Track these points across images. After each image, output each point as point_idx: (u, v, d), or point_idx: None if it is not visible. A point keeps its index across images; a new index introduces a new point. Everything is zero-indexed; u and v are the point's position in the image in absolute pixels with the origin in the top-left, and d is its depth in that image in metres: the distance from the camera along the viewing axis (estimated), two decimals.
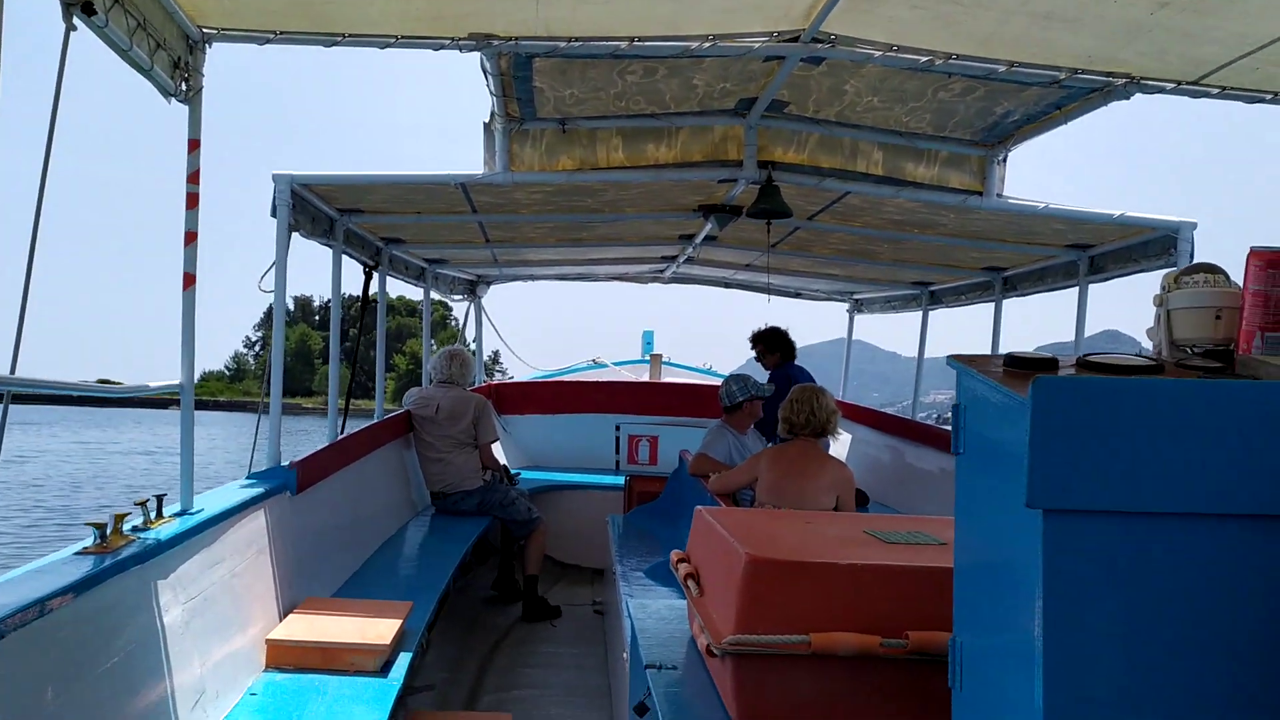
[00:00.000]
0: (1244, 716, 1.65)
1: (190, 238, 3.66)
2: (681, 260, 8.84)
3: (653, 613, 3.63)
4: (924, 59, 4.03)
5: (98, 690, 2.62)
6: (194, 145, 3.68)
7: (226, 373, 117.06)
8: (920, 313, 8.92)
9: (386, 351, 7.78)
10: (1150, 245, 5.46)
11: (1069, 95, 4.31)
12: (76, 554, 2.84)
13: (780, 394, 5.65)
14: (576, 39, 3.93)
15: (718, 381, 6.80)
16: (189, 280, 3.66)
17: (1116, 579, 1.65)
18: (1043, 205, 5.37)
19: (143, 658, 2.89)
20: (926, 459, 7.55)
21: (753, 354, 7.99)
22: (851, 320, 10.47)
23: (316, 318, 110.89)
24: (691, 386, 10.15)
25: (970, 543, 2.03)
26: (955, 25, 3.77)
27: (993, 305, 7.58)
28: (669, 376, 10.97)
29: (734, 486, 5.33)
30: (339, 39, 3.86)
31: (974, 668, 1.98)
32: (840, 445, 8.76)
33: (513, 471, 7.79)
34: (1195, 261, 2.81)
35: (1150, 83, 4.04)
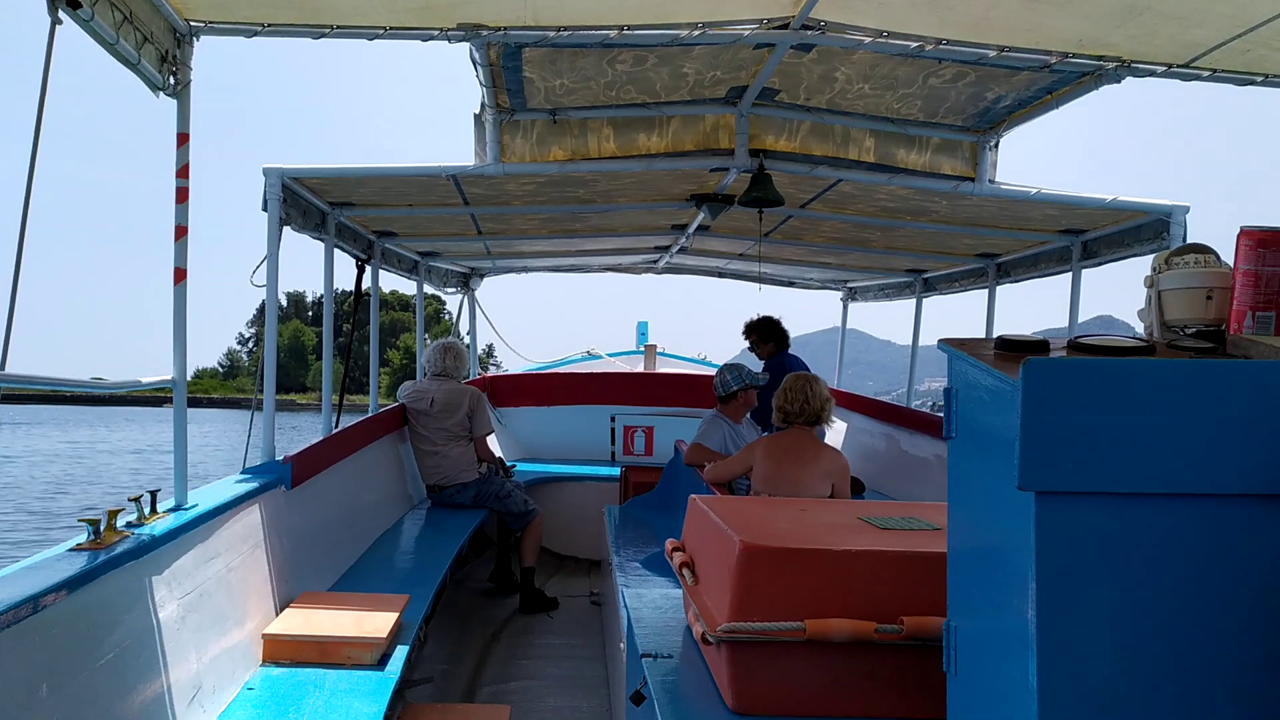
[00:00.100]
0: (1238, 696, 1.66)
1: (180, 232, 3.64)
2: (674, 250, 8.83)
3: (649, 602, 3.63)
4: (914, 44, 4.03)
5: (93, 687, 2.62)
6: (183, 139, 3.66)
7: (220, 370, 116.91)
8: (914, 300, 8.92)
9: (380, 346, 7.77)
10: (1143, 229, 5.47)
11: (1060, 79, 4.31)
12: (70, 550, 2.83)
13: (775, 383, 5.66)
14: (566, 28, 3.92)
15: (712, 371, 6.81)
16: (180, 275, 3.64)
17: (1109, 560, 1.65)
18: (1035, 190, 5.37)
19: (138, 654, 2.88)
20: (921, 446, 7.56)
21: (747, 344, 7.99)
22: (845, 309, 10.48)
23: (310, 313, 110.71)
24: (686, 377, 10.16)
25: (963, 527, 2.03)
26: (945, 10, 3.77)
27: (986, 292, 7.59)
28: (664, 367, 10.98)
29: (729, 476, 5.34)
30: (327, 31, 3.84)
31: (969, 652, 1.98)
32: (835, 433, 8.78)
33: (508, 464, 7.79)
34: (1186, 243, 2.81)
35: (1141, 66, 4.03)
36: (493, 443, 7.46)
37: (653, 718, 2.65)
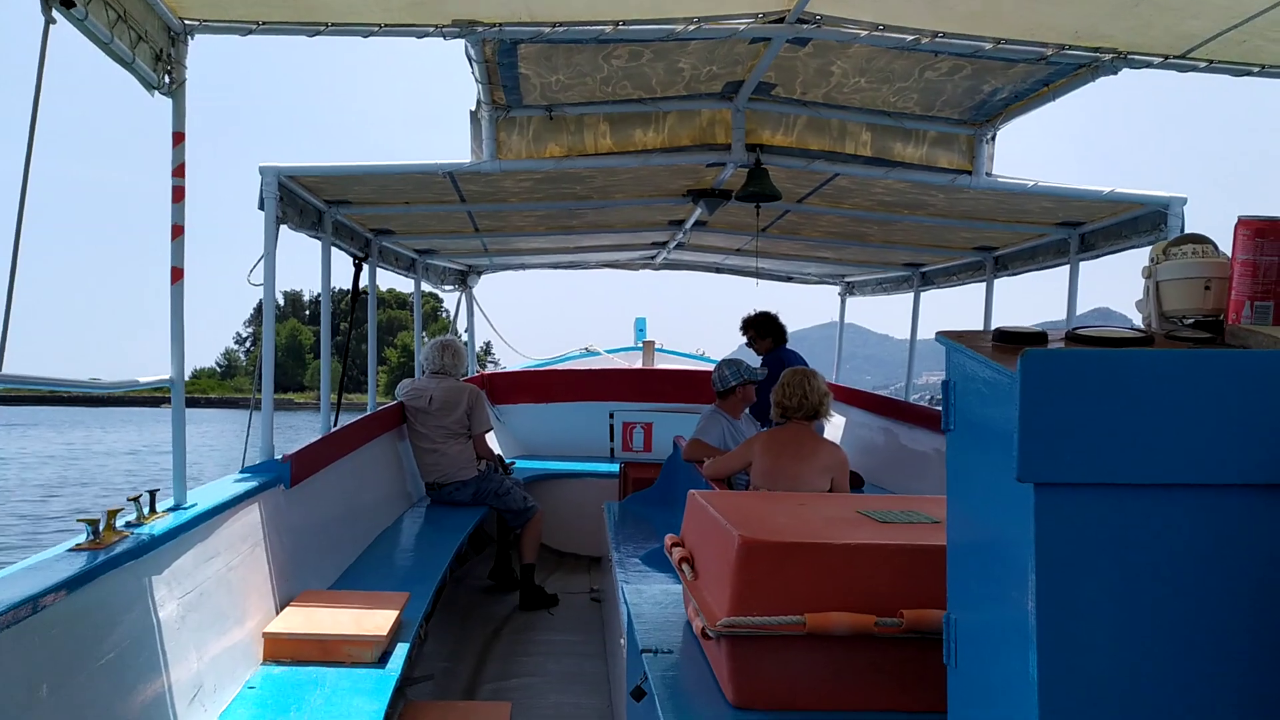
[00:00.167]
0: (1238, 687, 1.66)
1: (177, 231, 3.64)
2: (672, 246, 8.83)
3: (648, 598, 3.63)
4: (910, 38, 4.02)
5: (94, 687, 2.62)
6: (178, 138, 3.66)
7: (218, 369, 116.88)
8: (912, 294, 8.92)
9: (377, 344, 7.77)
10: (1140, 221, 5.46)
11: (1056, 71, 4.30)
12: (69, 550, 2.83)
13: (773, 378, 5.66)
14: (561, 24, 3.91)
15: (710, 367, 6.80)
16: (177, 274, 3.64)
17: (1109, 551, 1.65)
18: (1032, 183, 5.36)
19: (139, 653, 2.88)
20: (920, 440, 7.56)
21: (744, 339, 7.99)
22: (843, 303, 10.47)
23: (307, 312, 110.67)
24: (685, 372, 10.17)
25: (962, 519, 2.03)
26: (941, 3, 3.76)
27: (984, 285, 7.58)
28: (662, 363, 10.98)
29: (728, 471, 5.34)
30: (322, 28, 3.83)
31: (969, 644, 1.98)
32: (834, 428, 8.78)
33: (507, 461, 7.79)
34: (1183, 233, 2.81)
35: (1137, 57, 4.03)
36: (492, 440, 7.46)
37: (653, 713, 2.65)
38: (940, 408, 2.05)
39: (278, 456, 4.67)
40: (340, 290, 7.18)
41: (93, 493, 23.73)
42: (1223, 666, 1.66)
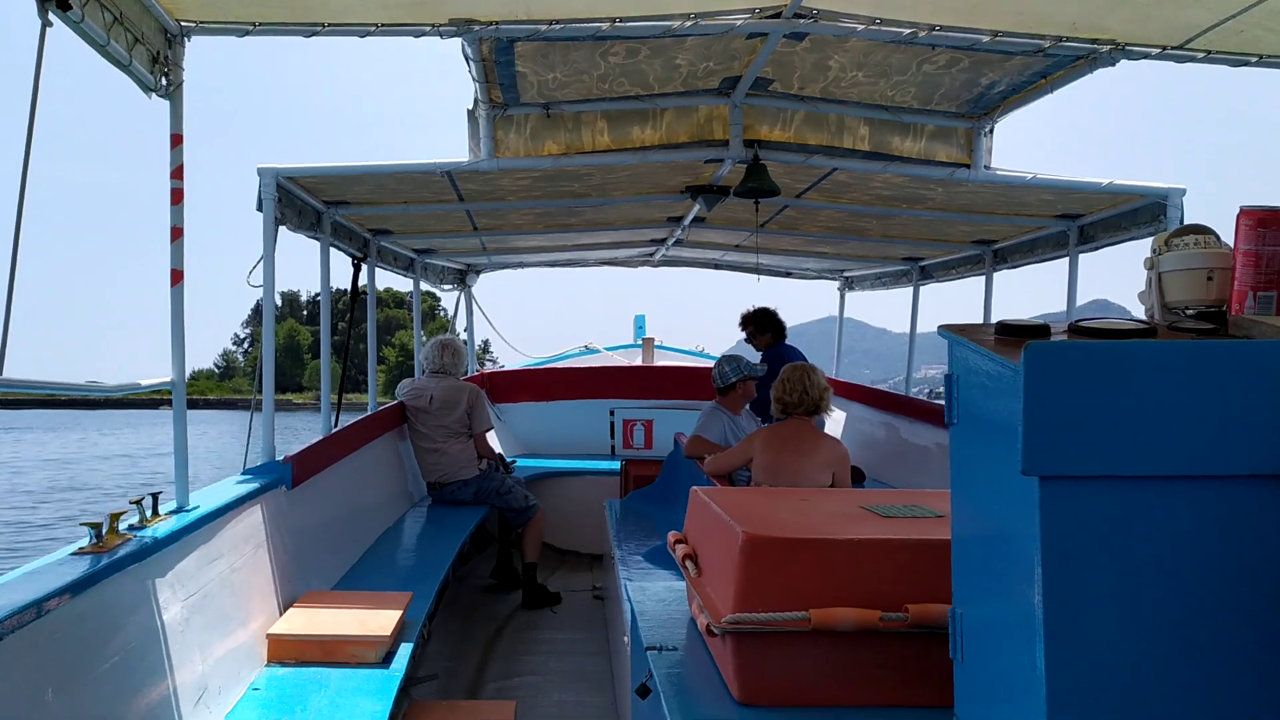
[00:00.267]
0: (1245, 678, 1.66)
1: (176, 233, 3.63)
2: (670, 243, 8.82)
3: (652, 595, 3.63)
4: (907, 31, 4.01)
5: (99, 691, 2.61)
6: (176, 140, 3.65)
7: (216, 370, 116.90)
8: (911, 288, 8.92)
9: (375, 344, 7.77)
10: (1140, 213, 5.46)
11: (1054, 64, 4.29)
12: (73, 554, 2.83)
13: (773, 374, 5.66)
14: (558, 21, 3.91)
15: (710, 363, 6.80)
16: (177, 277, 3.63)
17: (1115, 544, 1.65)
18: (1030, 176, 5.36)
19: (143, 656, 2.87)
20: (921, 434, 7.56)
21: (743, 335, 7.99)
22: (843, 298, 10.47)
23: (304, 312, 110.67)
24: (684, 369, 10.17)
25: (967, 513, 2.03)
26: None
27: (983, 278, 7.58)
28: (661, 360, 10.98)
29: (730, 467, 5.34)
30: (319, 29, 3.82)
31: (975, 638, 1.98)
32: (834, 423, 8.78)
33: (508, 460, 7.79)
34: (1185, 224, 2.81)
35: (1135, 48, 4.02)
36: (492, 439, 7.46)
37: (659, 711, 2.65)
38: (940, 401, 2.04)
39: (279, 458, 4.67)
40: (339, 290, 7.18)
41: (80, 501, 23.26)
42: (1229, 658, 1.66)
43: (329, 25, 3.82)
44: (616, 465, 7.74)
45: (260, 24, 3.75)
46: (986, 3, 3.76)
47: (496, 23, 3.89)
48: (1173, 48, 3.97)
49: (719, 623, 2.58)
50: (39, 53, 2.76)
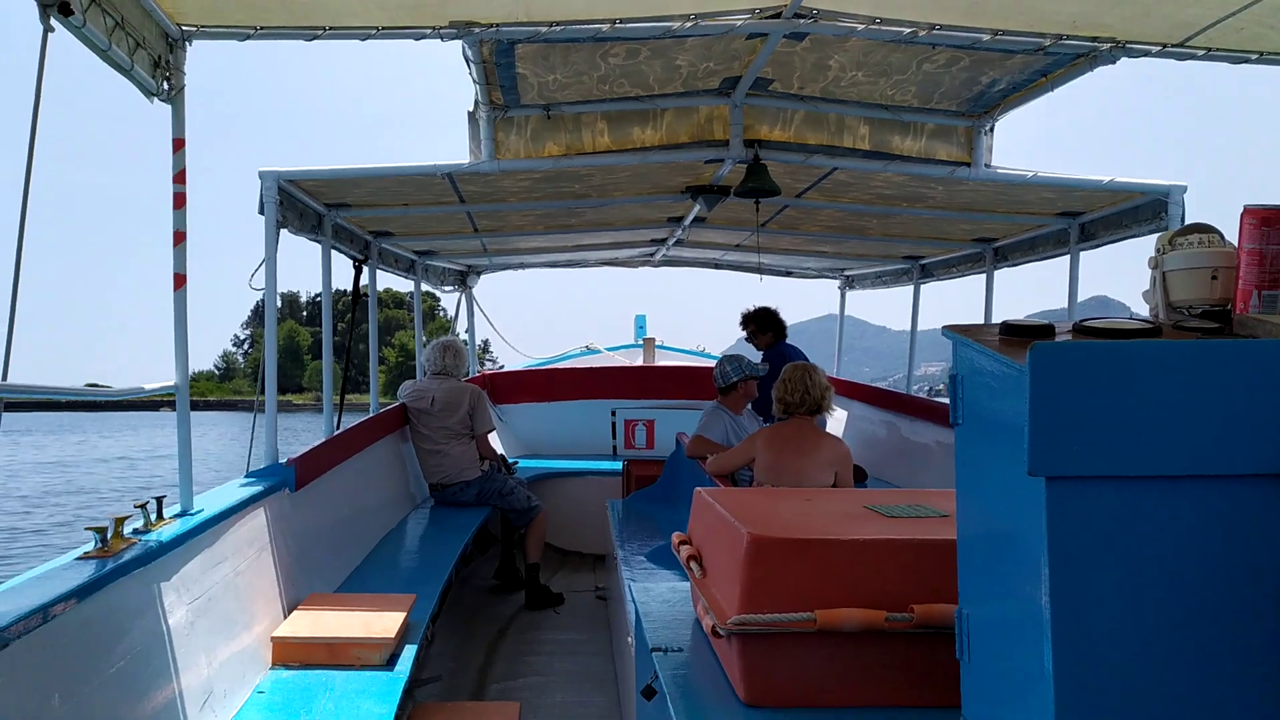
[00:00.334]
0: (1252, 677, 1.66)
1: (179, 238, 3.63)
2: (671, 243, 8.82)
3: (656, 596, 3.63)
4: (908, 30, 4.02)
5: (105, 695, 2.62)
6: (178, 144, 3.65)
7: (216, 372, 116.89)
8: (912, 287, 8.92)
9: (377, 346, 7.77)
10: (1140, 210, 5.47)
11: (1054, 62, 4.30)
12: (78, 559, 2.83)
13: (774, 373, 5.66)
14: (558, 23, 3.91)
15: (711, 363, 6.81)
16: (179, 281, 3.63)
17: (1122, 544, 1.65)
18: (1031, 174, 5.36)
19: (149, 660, 2.88)
20: (923, 433, 7.56)
21: (744, 335, 7.99)
22: (843, 297, 10.47)
23: (304, 313, 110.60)
24: (686, 369, 10.17)
25: (973, 514, 2.03)
26: None
27: (984, 277, 7.58)
28: (663, 360, 10.99)
29: (732, 467, 5.34)
30: (320, 32, 3.83)
31: (981, 639, 1.98)
32: (836, 422, 8.79)
33: (510, 460, 7.79)
34: (1188, 223, 2.81)
35: (1136, 46, 4.02)
36: (494, 440, 7.46)
37: (665, 712, 2.65)
38: (940, 399, 2.05)
39: (282, 460, 4.67)
40: (339, 290, 7.18)
41: (74, 504, 22.85)
42: (1236, 657, 1.66)
43: (330, 29, 3.82)
44: (618, 465, 7.74)
45: (261, 28, 3.75)
46: (986, 1, 3.76)
47: (497, 25, 3.89)
48: (1173, 45, 3.97)
49: (724, 624, 2.58)
50: (41, 58, 2.77)
